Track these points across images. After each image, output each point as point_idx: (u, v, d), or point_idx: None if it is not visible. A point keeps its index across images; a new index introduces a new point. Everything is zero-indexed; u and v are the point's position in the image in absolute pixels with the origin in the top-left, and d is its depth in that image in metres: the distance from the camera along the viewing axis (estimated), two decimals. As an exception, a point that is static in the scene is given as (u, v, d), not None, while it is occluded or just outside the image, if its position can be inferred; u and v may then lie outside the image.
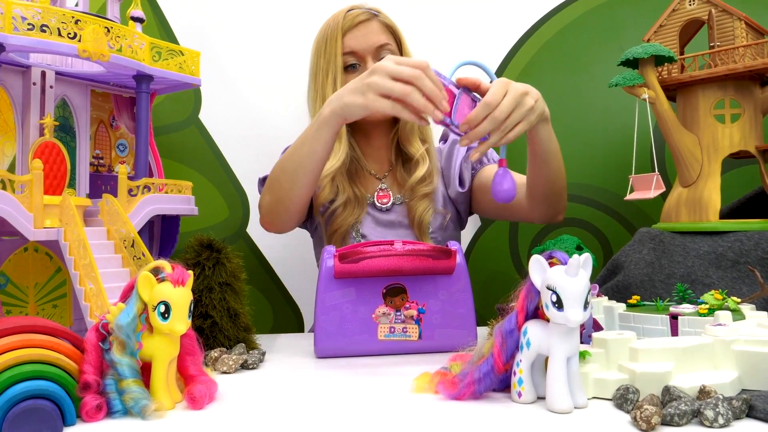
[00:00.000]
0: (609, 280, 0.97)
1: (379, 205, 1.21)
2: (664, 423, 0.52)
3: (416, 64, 0.82)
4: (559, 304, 0.56)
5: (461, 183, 1.25)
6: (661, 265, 0.92)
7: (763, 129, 0.98)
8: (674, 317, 0.73)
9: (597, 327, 0.76)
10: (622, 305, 0.81)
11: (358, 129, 1.23)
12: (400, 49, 1.24)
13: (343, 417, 0.60)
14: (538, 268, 0.60)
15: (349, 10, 1.22)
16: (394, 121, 1.24)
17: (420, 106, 0.82)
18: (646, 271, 0.92)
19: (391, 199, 1.21)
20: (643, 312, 0.77)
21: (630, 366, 0.61)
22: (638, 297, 0.85)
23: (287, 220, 1.10)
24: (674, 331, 0.73)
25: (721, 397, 0.54)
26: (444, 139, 1.32)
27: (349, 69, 1.20)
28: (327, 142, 0.97)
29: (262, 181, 1.22)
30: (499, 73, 1.46)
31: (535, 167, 1.03)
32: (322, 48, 1.22)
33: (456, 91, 0.84)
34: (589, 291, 0.58)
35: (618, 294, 0.93)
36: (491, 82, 0.86)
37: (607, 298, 0.85)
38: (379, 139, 1.25)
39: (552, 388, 0.58)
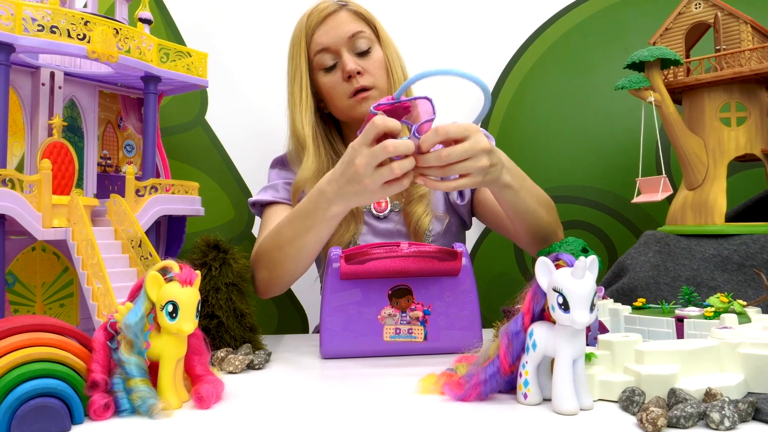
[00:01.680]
0: (614, 283, 0.97)
1: (375, 212, 1.16)
2: (670, 425, 0.53)
3: (375, 133, 0.78)
4: (565, 306, 0.57)
5: (461, 194, 1.20)
6: (666, 268, 0.92)
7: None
8: (680, 320, 0.73)
9: (603, 329, 0.76)
10: (628, 308, 0.81)
11: (351, 131, 1.20)
12: (377, 36, 1.17)
13: (349, 417, 0.60)
14: (544, 269, 0.60)
15: (316, 6, 1.16)
16: None
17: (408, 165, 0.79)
18: (651, 273, 0.92)
19: (389, 205, 1.17)
20: (649, 315, 0.77)
21: (636, 368, 0.61)
22: (644, 300, 0.85)
23: (286, 287, 1.07)
24: (680, 334, 0.73)
25: (727, 399, 0.54)
26: None
27: (329, 69, 1.14)
28: (334, 227, 0.94)
29: (253, 205, 1.19)
30: (505, 75, 1.46)
31: (511, 222, 1.02)
32: (290, 53, 1.17)
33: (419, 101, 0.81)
34: (596, 293, 0.58)
35: (623, 296, 0.92)
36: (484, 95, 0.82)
37: (612, 300, 0.85)
38: None
39: (558, 390, 0.58)
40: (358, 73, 1.12)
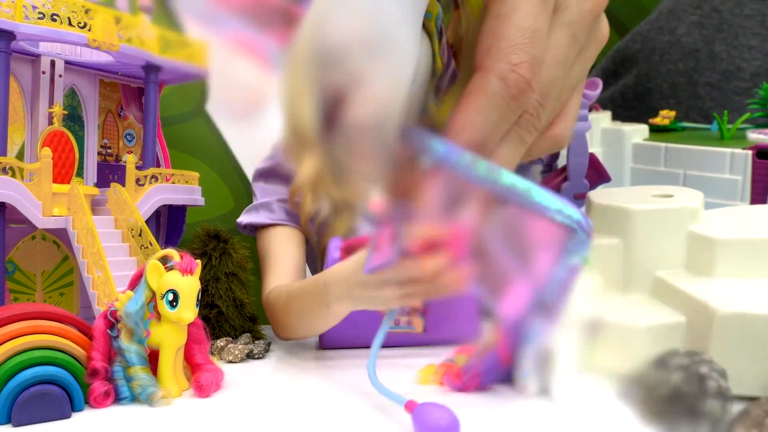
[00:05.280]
0: (613, 83, 0.59)
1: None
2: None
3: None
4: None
5: None
6: (712, 54, 0.55)
7: None
8: (762, 153, 0.38)
9: (601, 174, 0.48)
10: (643, 127, 0.48)
11: None
12: None
13: (348, 407, 0.60)
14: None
15: None
16: None
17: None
18: (682, 66, 0.55)
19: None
20: (686, 143, 0.42)
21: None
22: (672, 112, 0.49)
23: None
24: (758, 187, 0.38)
25: None
26: None
27: None
28: (339, 320, 0.81)
29: (259, 173, 1.06)
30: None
31: None
32: None
33: None
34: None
35: (631, 108, 0.57)
36: None
37: (610, 113, 0.51)
38: None
39: (558, 381, 0.58)
40: None
